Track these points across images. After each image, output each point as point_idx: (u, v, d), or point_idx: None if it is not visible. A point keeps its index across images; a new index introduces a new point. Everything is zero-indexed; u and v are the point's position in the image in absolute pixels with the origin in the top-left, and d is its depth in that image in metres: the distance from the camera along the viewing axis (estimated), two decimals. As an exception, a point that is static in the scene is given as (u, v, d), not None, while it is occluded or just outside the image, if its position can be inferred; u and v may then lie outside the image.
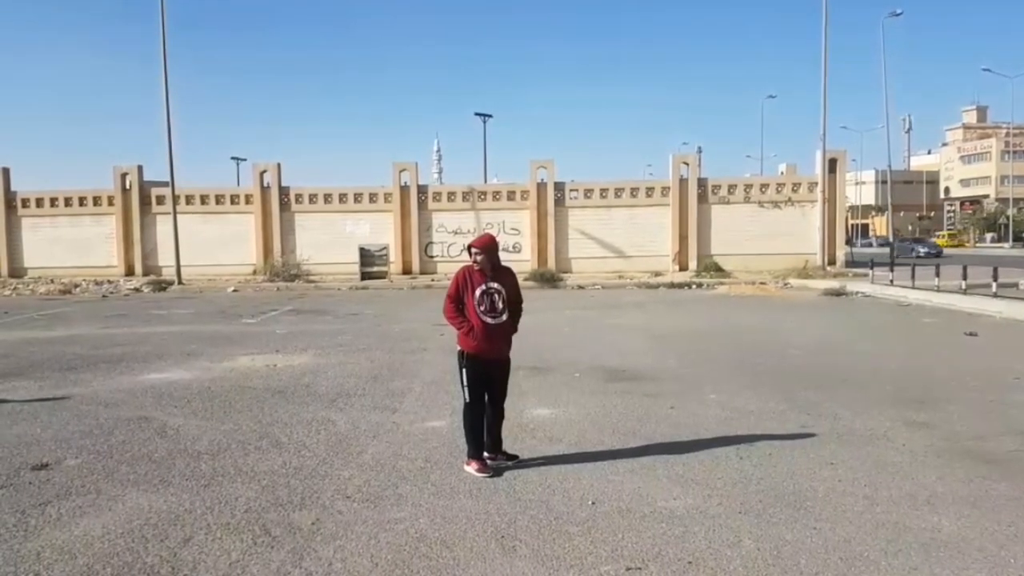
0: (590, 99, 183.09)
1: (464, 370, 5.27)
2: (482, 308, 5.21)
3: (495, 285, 5.24)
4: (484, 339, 5.22)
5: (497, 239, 5.53)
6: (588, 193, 31.91)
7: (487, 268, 5.25)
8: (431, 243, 32.16)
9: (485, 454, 5.37)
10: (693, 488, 4.95)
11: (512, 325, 5.41)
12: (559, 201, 31.63)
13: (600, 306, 17.99)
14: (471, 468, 5.28)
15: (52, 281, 29.48)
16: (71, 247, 32.55)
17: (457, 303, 5.28)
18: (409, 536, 4.21)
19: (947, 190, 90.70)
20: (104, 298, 23.99)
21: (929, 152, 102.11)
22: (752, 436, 6.17)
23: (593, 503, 4.69)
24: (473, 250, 5.25)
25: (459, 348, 5.32)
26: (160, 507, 4.71)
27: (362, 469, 5.44)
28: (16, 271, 32.81)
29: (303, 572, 3.78)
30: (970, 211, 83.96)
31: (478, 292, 5.20)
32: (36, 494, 4.98)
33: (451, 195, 32.53)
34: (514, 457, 5.54)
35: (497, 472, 5.27)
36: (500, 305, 5.25)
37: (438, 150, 75.60)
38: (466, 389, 5.28)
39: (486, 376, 5.30)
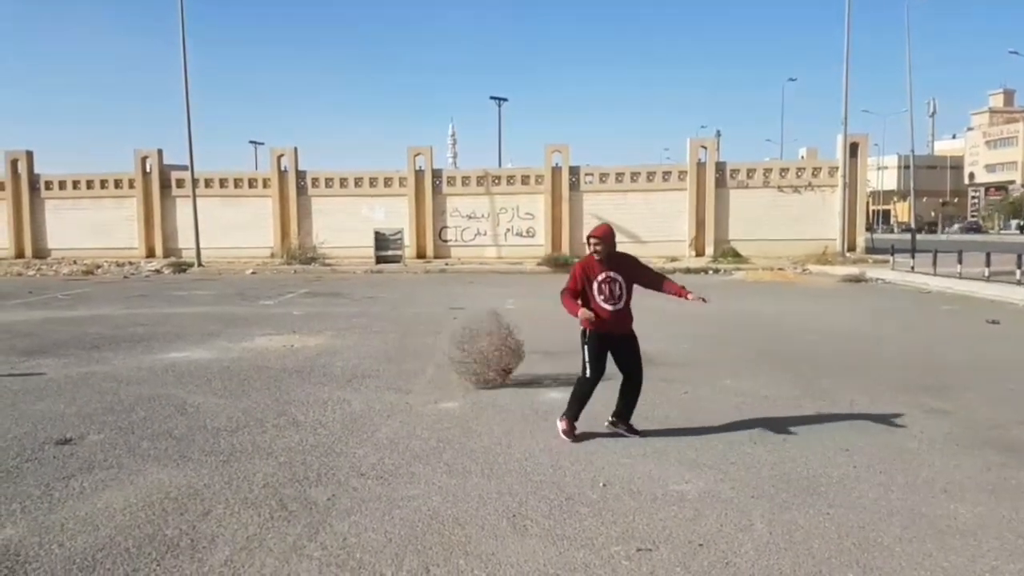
0: (607, 84, 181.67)
1: (586, 346, 5.53)
2: (601, 297, 5.43)
3: (612, 274, 5.45)
4: (604, 321, 5.42)
5: (614, 228, 5.73)
6: (603, 178, 31.74)
7: (605, 257, 5.44)
8: (445, 227, 32.20)
9: (609, 419, 5.73)
10: (705, 472, 4.95)
11: (627, 309, 5.58)
12: (574, 186, 31.50)
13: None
14: (560, 424, 5.63)
15: (75, 262, 29.90)
16: (93, 229, 32.97)
17: (574, 295, 5.48)
18: (422, 513, 4.26)
19: (972, 176, 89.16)
20: (125, 279, 24.30)
21: (954, 137, 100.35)
22: (766, 421, 6.15)
23: (604, 485, 4.71)
24: (592, 240, 5.49)
25: (582, 327, 5.53)
26: (180, 482, 4.79)
27: (376, 448, 5.50)
28: (40, 252, 33.31)
29: (318, 546, 3.84)
30: (996, 197, 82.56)
31: (596, 283, 5.42)
32: (60, 468, 5.08)
33: (465, 179, 32.49)
34: (636, 432, 5.69)
35: (576, 439, 5.55)
36: (618, 292, 5.44)
37: (453, 134, 75.44)
38: (587, 364, 5.52)
39: (607, 350, 5.55)
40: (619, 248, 5.69)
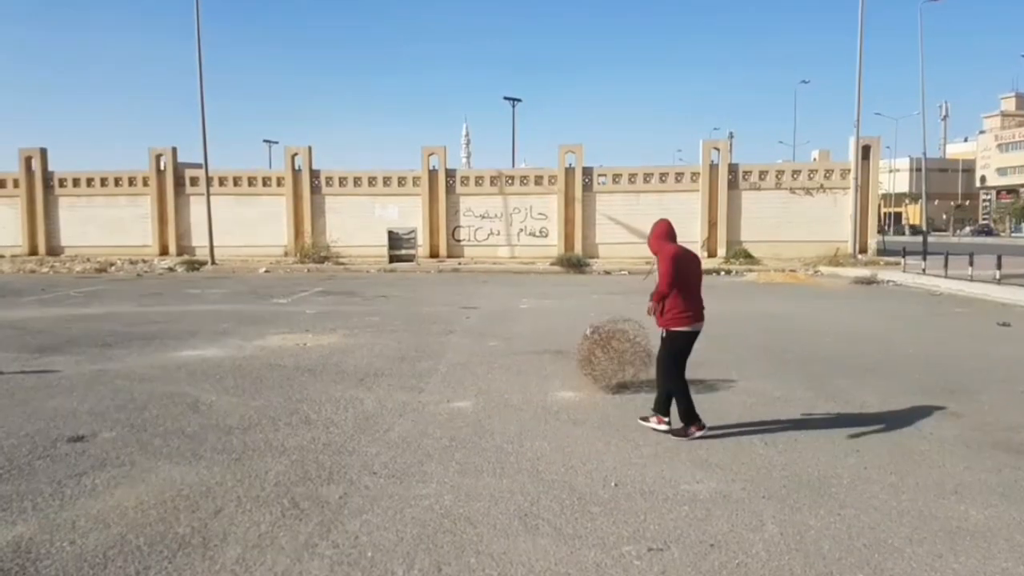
0: (620, 86, 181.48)
1: None
2: None
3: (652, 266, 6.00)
4: None
5: (661, 226, 5.86)
6: (616, 178, 31.69)
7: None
8: (459, 227, 32.22)
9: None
10: (716, 472, 4.95)
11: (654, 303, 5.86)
12: (587, 186, 31.47)
13: (627, 291, 17.92)
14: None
15: (88, 260, 30.11)
16: (107, 227, 33.19)
17: None
18: (434, 512, 4.28)
19: (983, 179, 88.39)
20: (139, 277, 24.46)
21: (965, 140, 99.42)
22: (777, 422, 6.14)
23: (615, 484, 4.71)
24: None
25: None
26: (192, 479, 4.83)
27: (388, 446, 5.53)
28: (53, 249, 33.57)
29: (330, 544, 3.87)
30: (1007, 200, 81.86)
31: None
32: (72, 465, 5.13)
33: (479, 179, 32.50)
34: (682, 434, 5.72)
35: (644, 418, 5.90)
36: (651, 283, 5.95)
37: (467, 134, 75.66)
38: None
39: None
40: (632, 248, 5.96)
